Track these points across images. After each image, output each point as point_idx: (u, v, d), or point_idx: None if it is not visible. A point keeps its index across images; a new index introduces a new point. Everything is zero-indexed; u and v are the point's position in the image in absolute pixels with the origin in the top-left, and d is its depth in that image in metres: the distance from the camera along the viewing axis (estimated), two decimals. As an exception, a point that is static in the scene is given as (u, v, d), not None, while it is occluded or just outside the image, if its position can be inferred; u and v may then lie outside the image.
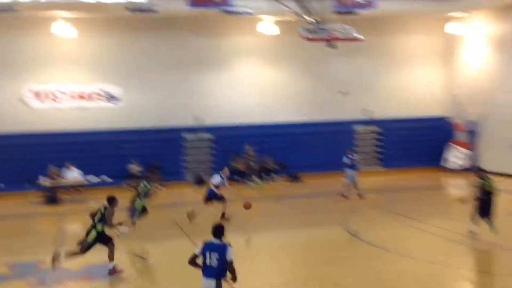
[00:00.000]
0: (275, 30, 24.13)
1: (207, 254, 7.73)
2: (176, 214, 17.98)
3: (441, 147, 25.63)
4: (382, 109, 26.19)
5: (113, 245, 11.42)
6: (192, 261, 7.93)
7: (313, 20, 18.66)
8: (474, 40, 25.26)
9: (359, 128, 26.13)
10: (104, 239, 11.42)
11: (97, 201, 20.00)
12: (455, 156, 25.20)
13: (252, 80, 25.48)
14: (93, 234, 11.35)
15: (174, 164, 24.17)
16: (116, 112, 24.00)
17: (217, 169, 24.27)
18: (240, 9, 21.69)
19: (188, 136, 24.61)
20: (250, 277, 11.14)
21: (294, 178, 24.13)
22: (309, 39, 17.73)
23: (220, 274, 7.68)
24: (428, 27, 26.64)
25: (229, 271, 7.70)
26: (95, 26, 23.48)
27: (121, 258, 12.57)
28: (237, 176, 23.93)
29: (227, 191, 16.47)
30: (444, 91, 26.56)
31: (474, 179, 13.68)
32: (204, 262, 7.76)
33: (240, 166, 23.79)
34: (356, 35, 18.01)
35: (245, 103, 25.34)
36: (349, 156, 19.69)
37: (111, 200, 11.68)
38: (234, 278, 7.73)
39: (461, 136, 25.71)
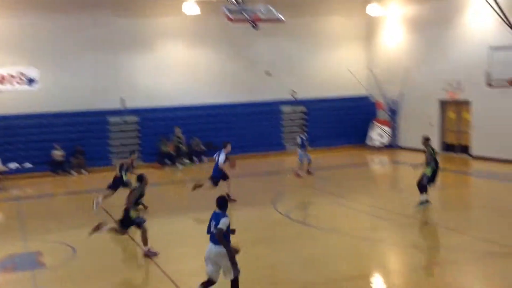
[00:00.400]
0: (196, 10, 23.85)
1: (212, 223, 8.42)
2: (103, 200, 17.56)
3: (365, 125, 26.42)
4: (307, 90, 26.61)
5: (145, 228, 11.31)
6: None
7: (235, 1, 18.58)
8: (393, 21, 26.06)
9: (286, 108, 26.45)
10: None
11: (20, 189, 19.48)
12: (378, 134, 26.09)
13: (177, 62, 25.13)
14: (133, 212, 11.37)
15: (99, 148, 23.58)
16: (37, 95, 22.89)
17: (144, 153, 24.07)
18: None
19: (114, 119, 24.02)
20: (182, 260, 11.10)
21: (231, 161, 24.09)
22: (232, 20, 17.63)
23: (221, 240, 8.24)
24: (349, 8, 27.21)
25: (218, 239, 8.22)
26: (12, 5, 22.30)
27: (45, 247, 12.19)
28: (166, 159, 23.68)
29: (229, 169, 15.90)
30: (366, 71, 27.29)
31: (427, 148, 14.05)
32: (209, 230, 8.42)
33: (169, 148, 23.52)
34: (277, 16, 18.08)
35: (171, 85, 24.99)
36: (301, 136, 20.00)
37: (141, 178, 11.75)
38: (225, 245, 8.21)
39: (382, 114, 26.62)
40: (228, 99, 25.84)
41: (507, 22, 15.39)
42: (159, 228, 13.71)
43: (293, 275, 9.87)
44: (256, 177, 19.72)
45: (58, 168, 22.34)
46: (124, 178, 15.52)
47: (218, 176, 15.65)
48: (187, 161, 23.48)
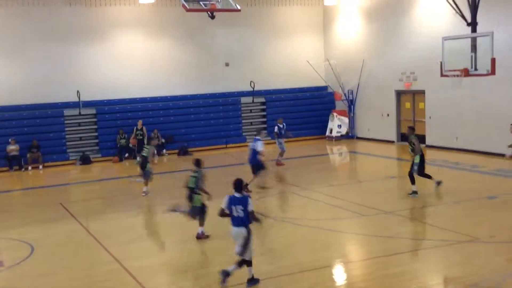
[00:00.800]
0: (151, -1, 23.59)
1: (233, 208, 8.88)
2: (59, 195, 17.27)
3: (325, 116, 26.68)
4: (266, 80, 26.68)
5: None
6: (222, 213, 9.05)
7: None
8: (349, 11, 26.34)
9: (245, 99, 26.46)
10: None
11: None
12: (337, 125, 26.39)
13: (135, 53, 24.75)
14: (197, 198, 11.68)
15: (56, 142, 23.11)
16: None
17: (102, 146, 23.72)
18: None
19: (70, 112, 23.54)
20: (143, 254, 11.03)
21: (183, 152, 24.01)
22: (188, 10, 17.49)
23: (247, 222, 8.90)
24: (307, -2, 27.38)
25: (252, 219, 8.94)
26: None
27: (2, 245, 11.92)
28: (124, 152, 23.39)
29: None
30: (324, 61, 27.51)
31: (412, 137, 14.48)
32: (231, 214, 8.91)
33: (131, 142, 23.19)
34: (233, 5, 18.03)
35: (129, 76, 24.64)
36: (279, 125, 20.18)
37: (199, 163, 12.06)
38: (260, 221, 9.18)
39: (340, 104, 26.94)
40: (186, 91, 25.68)
41: (459, 12, 15.74)
42: (119, 223, 13.58)
43: (256, 267, 9.93)
44: (216, 169, 19.68)
45: (13, 163, 21.80)
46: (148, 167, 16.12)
47: (259, 164, 15.72)
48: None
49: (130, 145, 23.26)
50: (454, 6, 15.80)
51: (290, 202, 15.20)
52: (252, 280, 9.08)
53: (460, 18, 15.76)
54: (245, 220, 8.89)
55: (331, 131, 26.44)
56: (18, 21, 22.77)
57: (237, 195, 9.00)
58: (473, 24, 15.51)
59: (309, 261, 10.09)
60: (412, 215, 12.73)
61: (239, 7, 18.52)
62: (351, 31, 26.33)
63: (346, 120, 26.35)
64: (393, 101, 24.18)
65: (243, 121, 26.35)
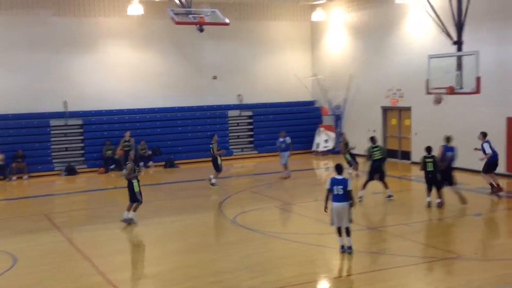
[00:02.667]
0: (140, 10, 23.62)
1: (335, 188, 10.85)
2: (44, 206, 17.13)
3: (311, 131, 26.79)
4: (254, 94, 26.80)
5: None
6: (327, 195, 11.03)
7: (180, 3, 18.55)
8: (337, 28, 26.61)
9: (233, 113, 26.51)
10: None
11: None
12: (323, 140, 26.50)
13: (123, 64, 24.75)
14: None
15: (41, 152, 22.96)
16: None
17: (88, 157, 23.60)
18: None
19: (56, 122, 23.42)
20: (127, 266, 10.96)
21: (169, 164, 23.96)
22: (177, 22, 17.57)
23: (347, 199, 10.87)
24: (295, 14, 27.61)
25: (350, 197, 10.88)
26: None
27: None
28: (111, 163, 23.28)
29: None
30: (312, 76, 27.69)
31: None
32: (333, 193, 10.89)
33: (118, 153, 23.07)
34: (222, 18, 18.16)
35: (117, 87, 24.62)
36: (281, 138, 20.28)
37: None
38: (352, 204, 11.01)
39: (327, 120, 27.09)
40: (174, 103, 25.69)
41: (445, 31, 15.98)
42: (104, 234, 13.49)
43: (239, 281, 9.92)
44: (203, 182, 19.65)
45: (-2, 172, 21.61)
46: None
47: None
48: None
49: (117, 156, 23.15)
50: (440, 24, 16.03)
51: (276, 216, 15.20)
52: (349, 248, 11.01)
53: (446, 36, 15.99)
54: (345, 197, 10.82)
55: (317, 146, 26.55)
56: (5, 30, 22.69)
57: (338, 177, 10.96)
58: (458, 43, 15.75)
59: (293, 276, 10.08)
60: (396, 231, 12.78)
61: (228, 21, 18.65)
62: (338, 47, 26.58)
63: (332, 135, 26.48)
64: (380, 117, 24.38)
65: (230, 134, 26.38)
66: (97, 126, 23.97)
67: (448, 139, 15.34)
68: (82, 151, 23.89)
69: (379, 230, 13.07)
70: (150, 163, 23.85)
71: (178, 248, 12.22)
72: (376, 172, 15.92)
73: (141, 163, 23.61)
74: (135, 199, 14.04)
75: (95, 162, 23.38)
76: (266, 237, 12.77)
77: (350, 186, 10.88)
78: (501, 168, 18.60)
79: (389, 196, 15.78)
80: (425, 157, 14.89)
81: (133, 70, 24.92)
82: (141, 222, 14.64)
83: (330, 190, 10.97)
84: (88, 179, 21.96)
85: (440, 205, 14.71)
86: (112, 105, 24.50)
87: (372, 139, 16.51)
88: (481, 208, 14.76)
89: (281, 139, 20.34)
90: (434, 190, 14.78)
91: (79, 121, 23.83)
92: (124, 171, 14.29)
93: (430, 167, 14.77)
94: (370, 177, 15.95)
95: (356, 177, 18.89)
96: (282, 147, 20.24)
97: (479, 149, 15.98)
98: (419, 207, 15.04)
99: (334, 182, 10.95)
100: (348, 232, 11.05)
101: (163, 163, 24.04)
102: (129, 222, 13.95)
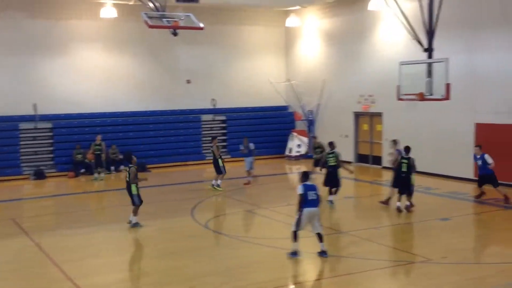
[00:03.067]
0: (113, 13, 23.46)
1: (308, 193, 11.01)
2: (11, 211, 16.80)
3: (284, 135, 26.88)
4: (227, 99, 26.77)
5: None
6: (301, 199, 11.00)
7: (154, 6, 18.47)
8: (310, 33, 26.80)
9: (206, 117, 26.44)
10: None
11: None
12: (296, 144, 26.61)
13: (95, 67, 24.46)
14: None
15: (9, 156, 22.53)
16: None
17: (58, 161, 23.25)
18: None
19: (25, 126, 23.02)
20: (97, 272, 10.81)
21: (141, 168, 23.70)
22: (151, 26, 17.49)
23: (319, 203, 11.21)
24: (269, 19, 27.72)
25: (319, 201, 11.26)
26: None
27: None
28: (81, 167, 22.98)
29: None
30: (285, 81, 27.80)
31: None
32: (307, 198, 10.97)
33: (89, 157, 22.75)
34: (196, 23, 18.13)
35: (88, 91, 24.34)
36: (245, 144, 19.93)
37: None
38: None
39: (300, 124, 27.22)
40: (147, 107, 25.51)
41: (416, 38, 16.19)
42: (73, 239, 13.30)
43: (211, 286, 9.87)
44: (175, 186, 19.54)
45: (-36, 177, 21.13)
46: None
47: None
48: (102, 171, 22.70)
49: (87, 160, 22.85)
50: (411, 32, 16.25)
51: (248, 221, 15.18)
52: (324, 252, 11.06)
53: (417, 44, 16.21)
54: (318, 202, 11.12)
55: (290, 151, 26.64)
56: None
57: (308, 183, 11.12)
58: (429, 50, 15.95)
59: (266, 281, 10.07)
60: (366, 235, 12.89)
61: (202, 25, 18.61)
62: (312, 53, 26.76)
63: (305, 140, 26.60)
64: (352, 123, 24.60)
65: (203, 138, 26.29)
66: (67, 130, 23.63)
67: (394, 142, 15.93)
68: (52, 155, 23.54)
69: (349, 234, 13.15)
70: (122, 167, 23.60)
71: (149, 254, 12.12)
72: (330, 179, 15.89)
73: (112, 167, 23.41)
74: (132, 202, 14.01)
75: (65, 166, 23.06)
76: (238, 242, 12.74)
77: (320, 191, 11.25)
78: (469, 173, 18.98)
79: (330, 202, 15.74)
80: (402, 157, 15.17)
81: (106, 73, 24.66)
82: (112, 227, 14.50)
83: (303, 196, 11.01)
84: (58, 184, 21.64)
85: (409, 209, 14.91)
86: (83, 108, 24.21)
87: (331, 144, 16.43)
88: (449, 212, 14.98)
89: (242, 146, 20.01)
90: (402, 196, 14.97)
91: (49, 125, 23.48)
92: (130, 176, 14.02)
93: (404, 168, 15.01)
94: (324, 184, 15.95)
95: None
96: (245, 153, 20.06)
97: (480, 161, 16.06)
98: (389, 212, 15.19)
99: (307, 187, 11.08)
100: (321, 237, 11.14)
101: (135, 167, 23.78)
102: (135, 225, 13.89)
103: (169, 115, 25.83)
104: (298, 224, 11.03)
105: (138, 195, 14.02)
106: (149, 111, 25.53)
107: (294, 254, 11.11)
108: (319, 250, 11.13)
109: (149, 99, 25.54)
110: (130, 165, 14.12)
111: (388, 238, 12.78)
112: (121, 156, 23.67)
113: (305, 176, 11.31)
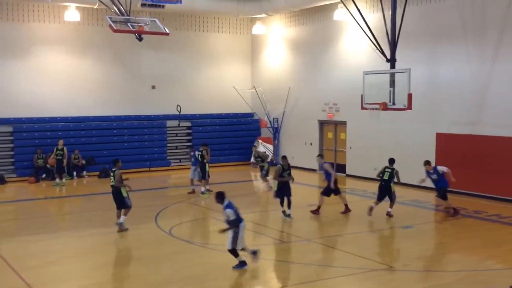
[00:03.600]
0: (76, 17, 23.19)
1: (238, 210, 10.99)
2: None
3: (250, 143, 26.89)
4: (193, 105, 26.67)
5: None
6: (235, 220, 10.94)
7: (119, 10, 18.35)
8: (276, 41, 26.99)
9: (171, 123, 26.27)
10: None
11: None
12: (262, 151, 26.63)
13: (58, 70, 24.07)
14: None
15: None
16: None
17: (18, 166, 22.73)
18: None
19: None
20: (57, 279, 10.60)
21: (104, 174, 23.40)
22: (115, 30, 17.35)
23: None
24: (235, 26, 27.81)
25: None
26: None
27: None
28: (42, 172, 22.51)
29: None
30: (251, 88, 27.88)
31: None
32: (238, 215, 10.93)
33: (50, 162, 22.28)
34: (162, 28, 18.08)
35: (51, 94, 23.95)
36: (190, 153, 19.63)
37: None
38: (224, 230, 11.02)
39: (265, 132, 27.31)
40: (111, 112, 25.19)
41: (379, 49, 16.49)
42: (33, 246, 13.02)
43: (174, 293, 9.79)
44: (139, 193, 19.30)
45: None
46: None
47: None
48: (64, 176, 22.25)
49: (48, 165, 22.40)
50: (375, 42, 16.54)
51: (212, 228, 15.11)
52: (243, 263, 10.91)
53: (380, 54, 16.51)
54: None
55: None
56: None
57: (226, 202, 10.93)
58: (392, 61, 16.28)
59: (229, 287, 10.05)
60: (330, 243, 12.99)
61: (167, 31, 18.57)
62: (278, 61, 26.93)
63: (271, 147, 26.69)
64: (316, 131, 24.82)
65: (168, 144, 26.12)
66: (28, 134, 23.15)
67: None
68: (12, 160, 23.02)
69: (313, 241, 13.23)
70: (84, 172, 23.26)
71: (111, 261, 11.94)
72: (284, 192, 15.40)
73: (74, 173, 23.01)
74: (125, 205, 13.93)
75: (26, 171, 22.56)
76: (202, 248, 12.68)
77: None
78: (431, 182, 19.24)
79: (288, 215, 15.31)
80: (385, 167, 15.47)
81: (69, 77, 24.28)
82: (73, 233, 14.25)
83: (236, 214, 10.93)
84: (18, 189, 21.15)
85: (389, 215, 15.24)
86: (44, 112, 23.76)
87: (284, 158, 15.84)
88: (411, 220, 15.22)
89: (194, 152, 19.45)
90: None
91: (9, 128, 22.96)
92: (114, 179, 13.96)
93: (386, 176, 15.32)
94: (280, 197, 15.47)
95: (269, 189, 18.95)
96: (192, 161, 19.63)
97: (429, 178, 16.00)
98: (353, 219, 15.36)
99: (233, 206, 10.94)
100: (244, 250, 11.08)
101: (98, 173, 23.48)
102: (122, 228, 13.83)
103: (133, 121, 25.59)
104: (235, 241, 10.85)
105: (128, 198, 14.02)
106: (113, 116, 25.23)
107: (242, 265, 10.93)
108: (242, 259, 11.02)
109: (113, 104, 25.24)
110: (114, 169, 14.07)
111: (351, 245, 12.90)
112: (83, 161, 23.33)
113: (221, 197, 11.03)
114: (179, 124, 26.37)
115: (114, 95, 25.29)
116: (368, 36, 16.87)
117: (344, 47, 23.21)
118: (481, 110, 18.03)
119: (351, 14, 18.52)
